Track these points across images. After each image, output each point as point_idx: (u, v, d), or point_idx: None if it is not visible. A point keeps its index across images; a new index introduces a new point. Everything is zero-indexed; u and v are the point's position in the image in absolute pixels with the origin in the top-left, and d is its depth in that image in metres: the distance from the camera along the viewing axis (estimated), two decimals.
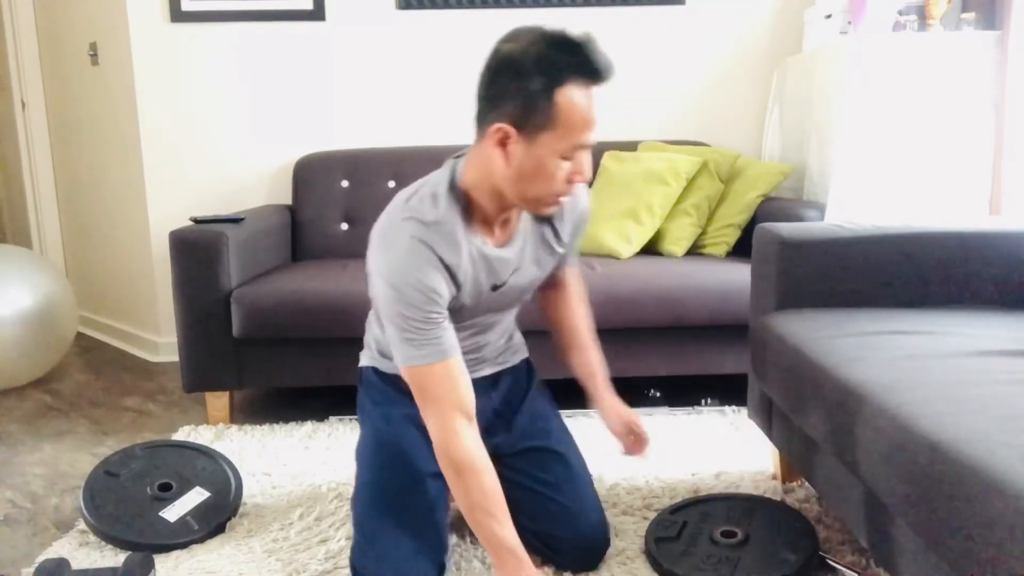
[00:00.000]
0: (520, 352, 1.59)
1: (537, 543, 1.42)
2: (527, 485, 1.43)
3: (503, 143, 1.17)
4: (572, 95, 1.13)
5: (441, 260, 1.22)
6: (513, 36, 1.17)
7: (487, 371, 1.51)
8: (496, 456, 1.41)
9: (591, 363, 1.52)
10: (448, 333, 1.25)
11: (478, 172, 1.24)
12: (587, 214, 1.46)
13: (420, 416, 1.29)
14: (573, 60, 1.12)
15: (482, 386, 1.46)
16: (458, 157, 1.31)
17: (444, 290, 1.22)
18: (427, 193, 1.25)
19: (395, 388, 1.43)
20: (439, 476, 1.33)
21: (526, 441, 1.48)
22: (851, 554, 1.43)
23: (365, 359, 1.54)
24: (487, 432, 1.37)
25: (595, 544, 1.42)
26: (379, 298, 1.24)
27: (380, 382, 1.48)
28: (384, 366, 1.48)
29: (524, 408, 1.52)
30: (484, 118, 1.19)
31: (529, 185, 1.19)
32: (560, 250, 1.42)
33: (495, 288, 1.33)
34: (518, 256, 1.34)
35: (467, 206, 1.26)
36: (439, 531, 1.35)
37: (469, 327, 1.39)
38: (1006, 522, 0.77)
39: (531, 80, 1.12)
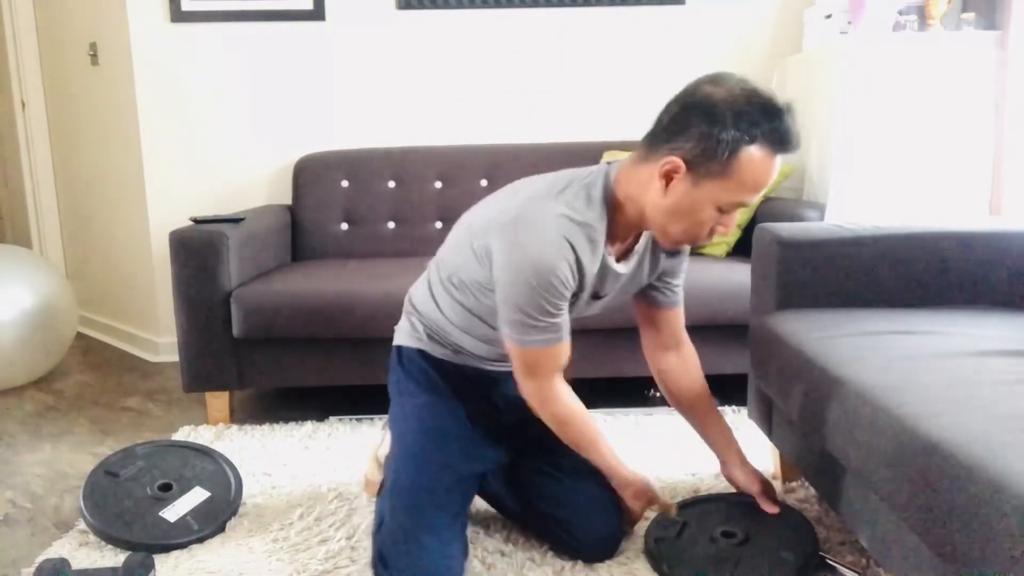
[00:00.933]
0: None
1: (555, 528, 1.44)
2: (549, 472, 1.46)
3: (669, 176, 1.19)
4: (755, 156, 1.15)
5: (579, 261, 1.23)
6: (718, 80, 1.23)
7: None
8: (523, 439, 1.47)
9: (726, 432, 1.54)
10: (566, 319, 1.28)
11: (632, 190, 1.25)
12: (685, 262, 1.50)
13: (466, 407, 1.39)
14: (769, 125, 1.14)
15: None
16: (610, 163, 1.32)
17: (573, 287, 1.24)
18: (582, 192, 1.26)
19: (439, 372, 1.45)
20: (475, 477, 1.41)
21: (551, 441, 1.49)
22: (851, 554, 1.43)
23: (409, 340, 1.50)
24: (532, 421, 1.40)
25: (614, 534, 1.44)
26: (508, 283, 1.23)
27: (427, 366, 1.47)
28: (435, 351, 1.47)
29: None
30: (658, 145, 1.21)
31: (676, 222, 1.22)
32: (648, 273, 1.43)
33: (596, 297, 1.36)
34: (629, 274, 1.37)
35: (612, 217, 1.28)
36: (465, 534, 1.37)
37: None
38: (1006, 522, 0.77)
39: (724, 129, 1.14)
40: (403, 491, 1.36)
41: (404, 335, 1.52)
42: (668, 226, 1.23)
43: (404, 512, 1.32)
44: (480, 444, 1.43)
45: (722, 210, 1.19)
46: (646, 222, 1.27)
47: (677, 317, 1.55)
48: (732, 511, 1.49)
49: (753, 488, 1.47)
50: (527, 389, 1.32)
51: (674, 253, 1.45)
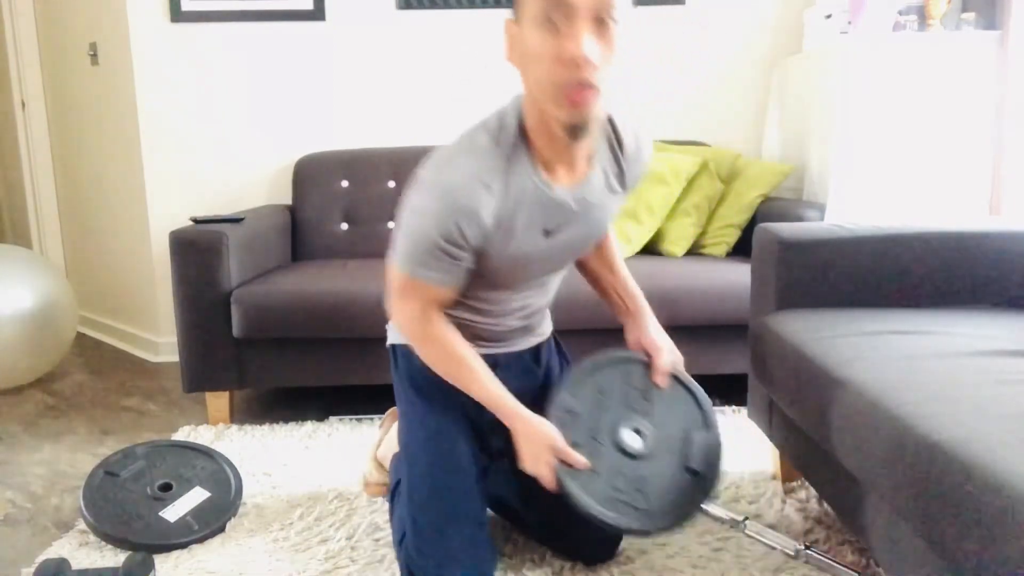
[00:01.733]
0: (549, 320, 1.54)
1: (553, 533, 1.43)
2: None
3: (508, 38, 1.15)
4: None
5: (489, 189, 1.16)
6: None
7: (533, 341, 1.47)
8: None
9: (632, 292, 1.47)
10: (462, 271, 1.22)
11: (527, 98, 1.18)
12: (647, 167, 1.40)
13: (469, 407, 1.32)
14: None
15: (527, 361, 1.45)
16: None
17: (486, 221, 1.17)
18: (494, 121, 1.21)
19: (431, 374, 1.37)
20: (484, 473, 1.37)
21: None
22: (851, 554, 1.43)
23: (400, 336, 1.44)
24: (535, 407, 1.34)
25: (612, 536, 1.42)
26: (405, 219, 1.19)
27: (422, 363, 1.37)
28: None
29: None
30: None
31: (533, 70, 1.10)
32: (622, 194, 1.35)
33: (548, 234, 1.25)
34: (580, 201, 1.26)
35: (531, 140, 1.20)
36: (490, 538, 1.33)
37: (526, 287, 1.35)
38: (1006, 522, 0.77)
39: None
40: (418, 500, 1.31)
41: (394, 331, 1.48)
42: (531, 84, 1.12)
43: (424, 521, 1.28)
44: (483, 435, 1.39)
45: (547, 29, 1.06)
46: (550, 122, 1.15)
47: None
48: (631, 379, 1.37)
49: (657, 357, 1.35)
50: (396, 311, 1.27)
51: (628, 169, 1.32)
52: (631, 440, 1.28)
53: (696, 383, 1.36)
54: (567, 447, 1.23)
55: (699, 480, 1.26)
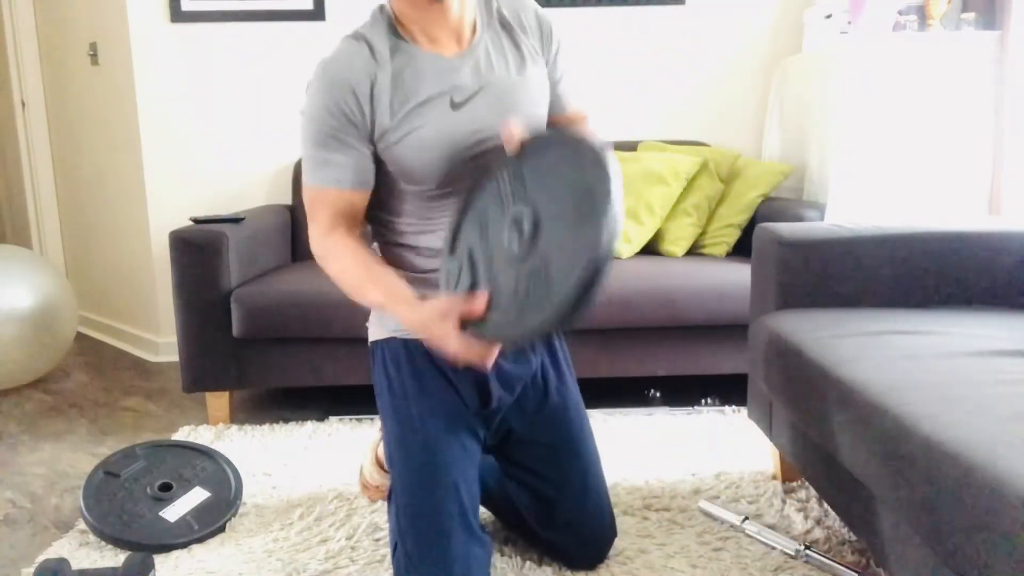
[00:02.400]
0: None
1: (542, 545, 1.43)
2: (533, 486, 1.38)
3: None
4: None
5: (367, 60, 1.18)
6: None
7: None
8: (506, 441, 1.38)
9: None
10: (362, 161, 1.21)
11: None
12: (547, 21, 1.33)
13: (449, 407, 1.26)
14: None
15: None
16: None
17: (367, 88, 1.17)
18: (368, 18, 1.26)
19: (412, 366, 1.30)
20: (475, 470, 1.31)
21: (544, 434, 1.38)
22: (851, 554, 1.43)
23: (383, 331, 1.35)
24: (518, 404, 1.34)
25: (600, 545, 1.41)
26: (302, 107, 1.21)
27: (401, 361, 1.31)
28: (406, 334, 1.32)
29: (553, 392, 1.39)
30: None
31: None
32: (534, 69, 1.29)
33: (455, 106, 1.21)
34: (474, 67, 1.23)
35: (400, 17, 1.23)
36: (482, 533, 1.28)
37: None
38: (1006, 522, 0.77)
39: None
40: (403, 517, 1.26)
41: (379, 327, 1.37)
42: None
43: (411, 539, 1.23)
44: (468, 430, 1.31)
45: None
46: None
47: (573, 117, 1.39)
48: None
49: (505, 126, 1.17)
50: (310, 237, 1.25)
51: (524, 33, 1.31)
52: (511, 239, 1.08)
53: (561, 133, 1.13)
54: (455, 303, 1.09)
55: (595, 215, 0.98)
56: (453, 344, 1.08)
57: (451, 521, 1.24)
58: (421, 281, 1.28)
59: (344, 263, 1.21)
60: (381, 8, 1.25)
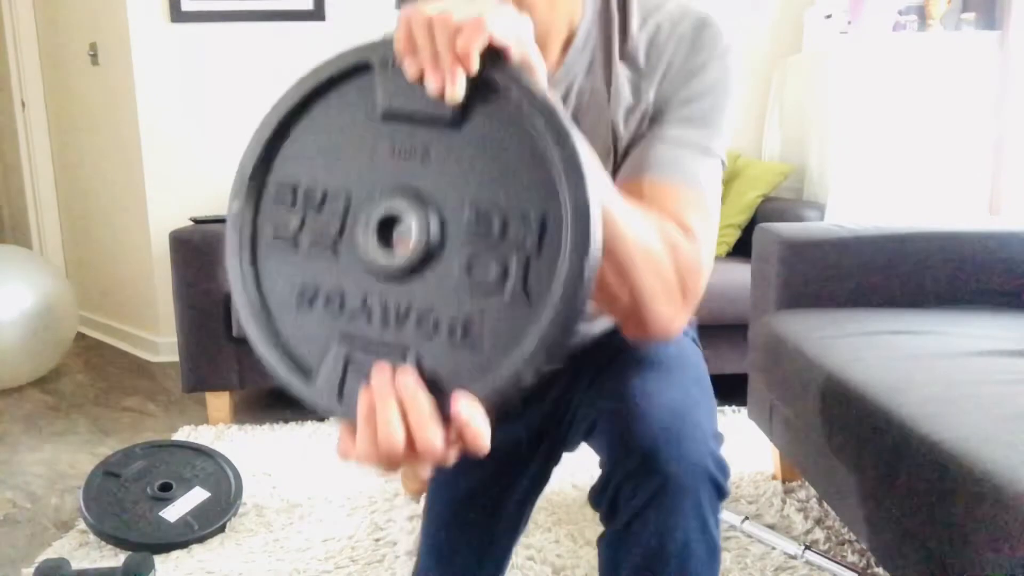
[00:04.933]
0: None
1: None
2: (601, 407, 0.87)
3: None
4: None
5: None
6: None
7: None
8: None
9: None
10: None
11: None
12: (709, 77, 0.80)
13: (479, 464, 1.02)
14: None
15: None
16: None
17: None
18: None
19: None
20: (503, 486, 1.08)
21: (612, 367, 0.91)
22: (851, 554, 1.43)
23: None
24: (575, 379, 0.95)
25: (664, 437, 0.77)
26: None
27: None
28: None
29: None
30: None
31: None
32: (637, 112, 0.82)
33: None
34: (567, 98, 0.85)
35: None
36: (499, 548, 1.11)
37: None
38: (1006, 522, 0.77)
39: None
40: (426, 525, 1.15)
41: None
42: None
43: (426, 548, 1.14)
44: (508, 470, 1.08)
45: None
46: None
47: (657, 195, 0.77)
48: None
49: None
50: None
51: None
52: (376, 249, 0.56)
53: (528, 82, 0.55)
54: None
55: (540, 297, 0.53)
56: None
57: (477, 560, 1.10)
58: None
59: None
60: None
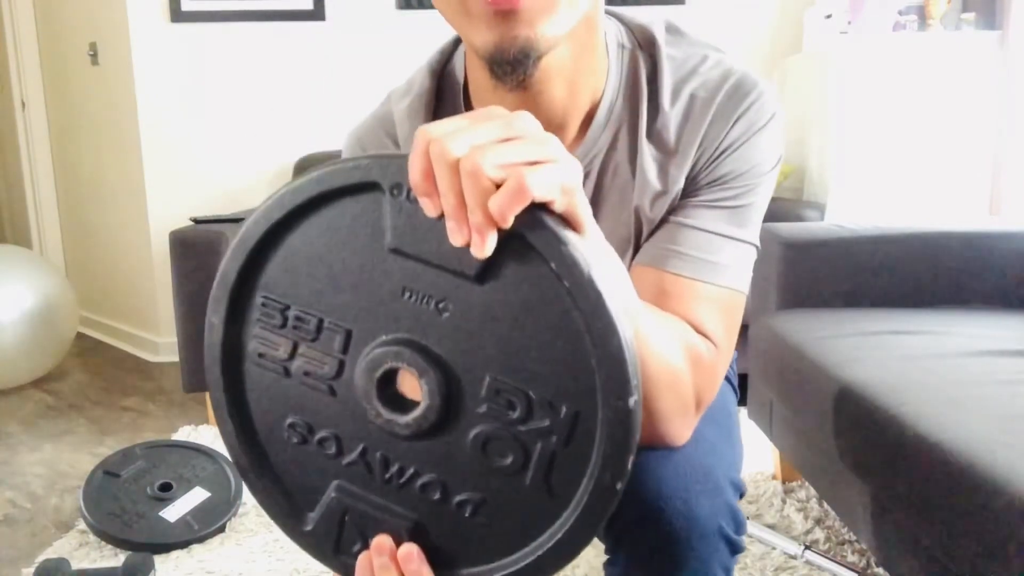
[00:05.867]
0: None
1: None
2: None
3: None
4: None
5: (391, 135, 0.81)
6: None
7: None
8: None
9: None
10: None
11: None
12: (744, 135, 0.73)
13: None
14: None
15: None
16: None
17: None
18: (423, 67, 0.84)
19: None
20: None
21: None
22: (851, 554, 1.43)
23: None
24: None
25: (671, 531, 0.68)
26: None
27: None
28: None
29: None
30: None
31: None
32: (666, 198, 0.74)
33: None
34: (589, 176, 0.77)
35: (468, 86, 0.79)
36: None
37: None
38: (1006, 522, 0.77)
39: None
40: None
41: None
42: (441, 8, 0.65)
43: None
44: None
45: None
46: (466, 42, 0.66)
47: (679, 291, 0.71)
48: None
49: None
50: None
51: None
52: (379, 404, 0.51)
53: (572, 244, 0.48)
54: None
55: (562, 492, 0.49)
56: None
57: None
58: None
59: None
60: (441, 61, 0.83)
